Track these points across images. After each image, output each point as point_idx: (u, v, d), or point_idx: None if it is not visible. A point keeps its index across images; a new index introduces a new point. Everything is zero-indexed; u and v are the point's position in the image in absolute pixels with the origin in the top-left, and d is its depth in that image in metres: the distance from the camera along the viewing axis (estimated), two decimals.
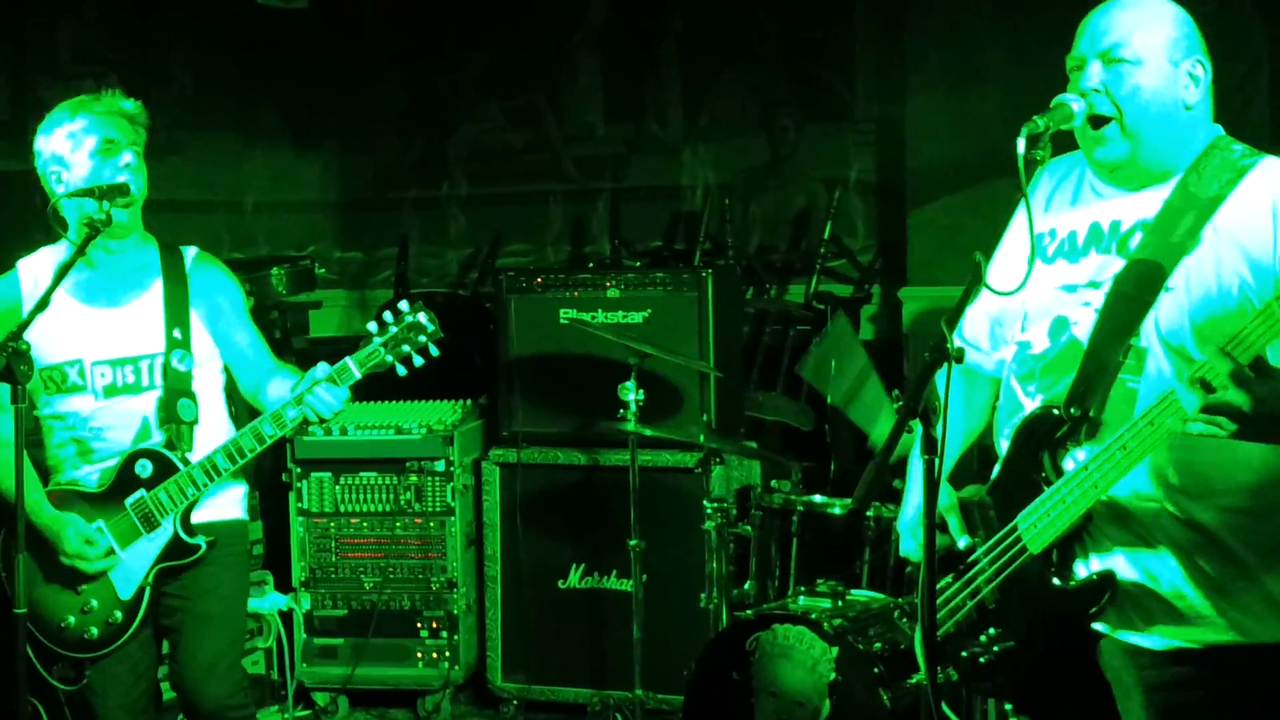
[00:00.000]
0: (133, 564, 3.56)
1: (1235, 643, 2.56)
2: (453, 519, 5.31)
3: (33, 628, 3.47)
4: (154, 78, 7.15)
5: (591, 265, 6.71)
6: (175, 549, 3.55)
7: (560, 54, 7.25)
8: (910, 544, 2.93)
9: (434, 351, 3.32)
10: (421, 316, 3.26)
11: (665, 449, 5.01)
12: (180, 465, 3.52)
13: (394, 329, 3.27)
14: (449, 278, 7.47)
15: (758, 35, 6.86)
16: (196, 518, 3.59)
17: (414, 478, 5.32)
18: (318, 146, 7.70)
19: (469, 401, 5.54)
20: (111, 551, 3.54)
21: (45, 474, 3.67)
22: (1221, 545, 2.55)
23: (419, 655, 5.33)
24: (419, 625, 5.33)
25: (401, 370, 3.36)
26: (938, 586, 2.85)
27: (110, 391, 3.58)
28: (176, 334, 3.56)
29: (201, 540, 3.55)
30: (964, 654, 2.76)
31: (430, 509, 5.32)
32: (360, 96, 7.61)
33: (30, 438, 3.46)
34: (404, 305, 3.30)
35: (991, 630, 2.73)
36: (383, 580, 5.34)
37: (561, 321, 5.21)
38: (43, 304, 3.31)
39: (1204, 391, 2.27)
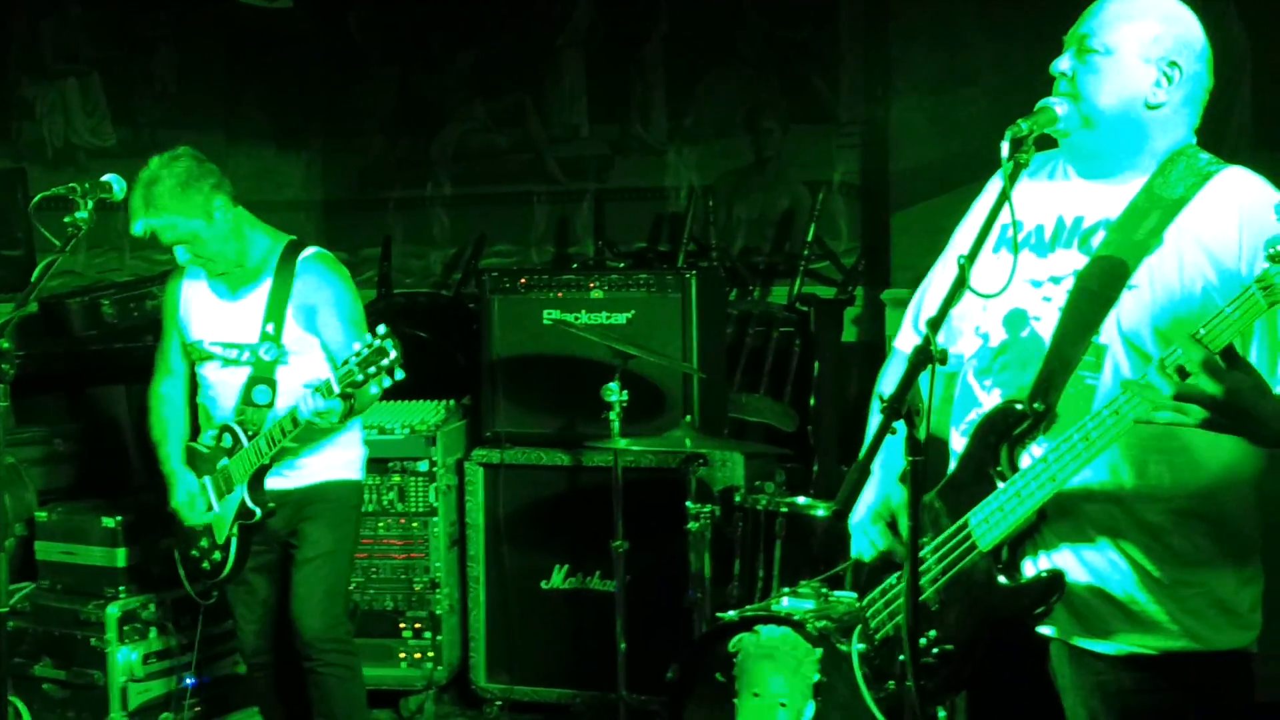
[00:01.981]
0: (224, 517, 4.19)
1: (1190, 649, 2.54)
2: (436, 519, 5.31)
3: (179, 557, 4.35)
4: (137, 76, 7.13)
5: (575, 266, 6.71)
6: (243, 511, 4.13)
7: (545, 55, 7.24)
8: (862, 543, 2.88)
9: (399, 374, 3.70)
10: (387, 344, 3.63)
11: (649, 450, 5.01)
12: (245, 443, 4.09)
13: (365, 351, 3.66)
14: (432, 278, 7.46)
15: (743, 37, 6.86)
16: (301, 478, 4.20)
17: (397, 478, 5.31)
18: (302, 145, 7.69)
19: (452, 402, 5.53)
20: (210, 507, 4.21)
21: (195, 431, 4.35)
22: (1172, 549, 2.54)
23: (402, 656, 5.33)
24: (402, 626, 5.33)
25: (372, 389, 3.77)
26: (881, 588, 2.85)
27: (225, 368, 4.19)
28: (269, 329, 4.11)
29: (258, 509, 4.10)
30: (901, 658, 2.70)
31: (413, 509, 5.31)
32: (345, 96, 7.60)
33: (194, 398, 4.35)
34: (380, 329, 3.68)
35: (932, 633, 2.67)
36: (365, 580, 5.33)
37: (545, 322, 5.21)
38: (22, 303, 3.34)
39: (1176, 378, 2.26)
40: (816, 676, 3.95)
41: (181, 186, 4.00)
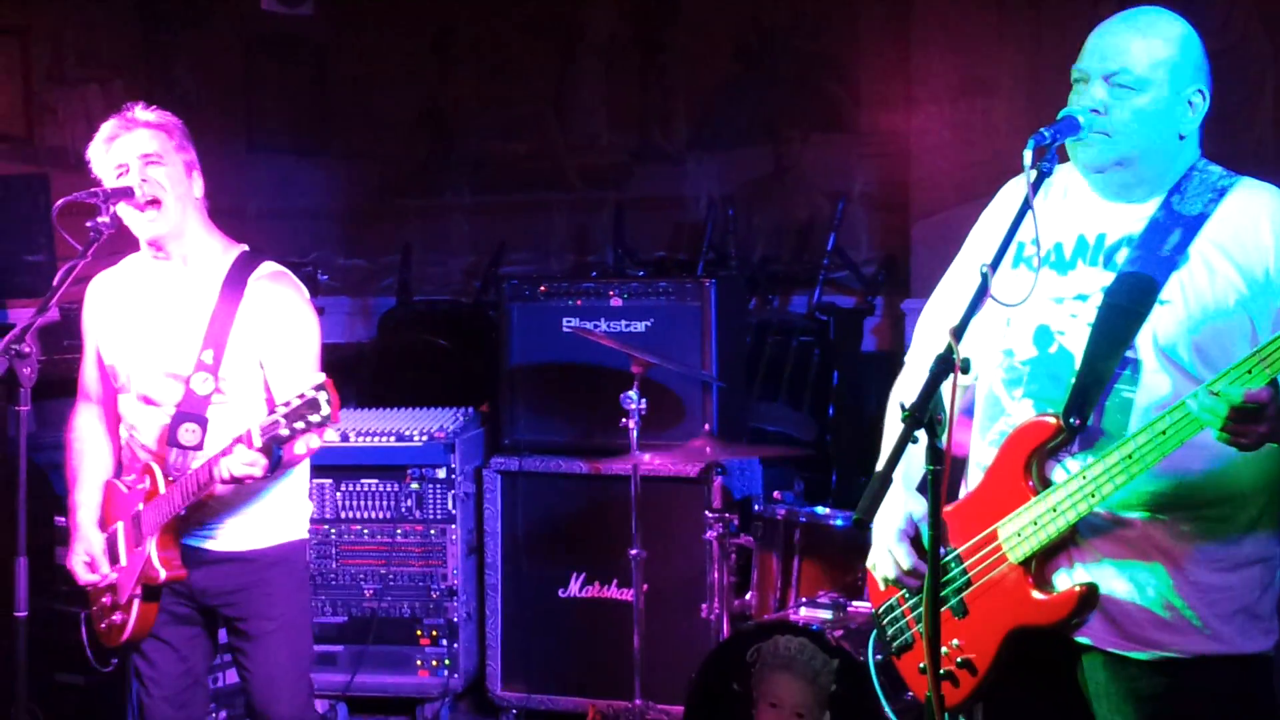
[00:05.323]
0: (129, 572, 3.59)
1: (1218, 653, 2.59)
2: (454, 527, 5.31)
3: (86, 616, 3.80)
4: (158, 83, 7.15)
5: (595, 274, 6.71)
6: (148, 569, 3.54)
7: (565, 63, 7.24)
8: (887, 563, 2.85)
9: (328, 434, 3.27)
10: (320, 396, 3.14)
11: (667, 458, 5.00)
12: (162, 489, 3.51)
13: (296, 403, 3.16)
14: (452, 285, 7.45)
15: (763, 46, 6.85)
16: (238, 541, 3.60)
17: (415, 485, 5.31)
18: (321, 153, 7.69)
19: (471, 409, 5.54)
20: (118, 559, 3.61)
21: (119, 466, 3.76)
22: (1208, 555, 2.58)
23: (418, 663, 5.32)
24: (419, 633, 5.32)
25: (300, 446, 3.36)
26: (900, 594, 2.87)
27: (146, 399, 3.60)
28: (206, 355, 3.49)
29: (162, 570, 3.50)
30: (921, 667, 2.73)
31: (431, 516, 5.31)
32: (364, 103, 7.61)
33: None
34: (316, 378, 3.19)
35: (955, 642, 2.72)
36: (383, 588, 5.33)
37: (564, 330, 5.21)
38: (43, 308, 3.34)
39: (1224, 411, 2.31)
40: (834, 687, 3.94)
41: (176, 128, 3.63)
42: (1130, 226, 2.64)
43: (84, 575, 3.66)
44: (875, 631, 2.96)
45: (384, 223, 7.55)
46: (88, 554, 3.66)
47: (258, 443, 3.21)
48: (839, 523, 4.46)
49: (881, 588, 2.90)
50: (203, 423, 3.50)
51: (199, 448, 3.49)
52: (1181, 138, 2.63)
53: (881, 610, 2.93)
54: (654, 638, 4.78)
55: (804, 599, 4.38)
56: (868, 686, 3.86)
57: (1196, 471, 2.54)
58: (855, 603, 4.27)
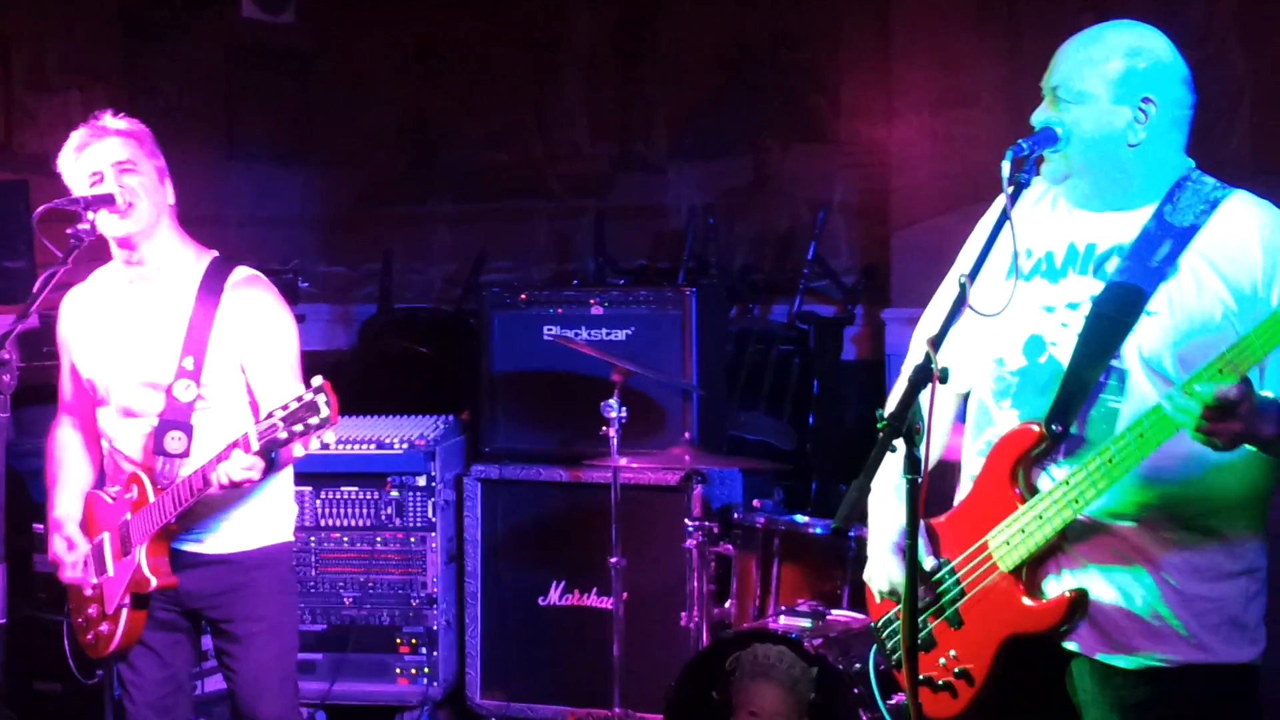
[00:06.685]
0: (117, 581, 3.58)
1: (1204, 663, 2.61)
2: (434, 535, 5.30)
3: (69, 626, 3.77)
4: (139, 91, 7.14)
5: (576, 282, 6.72)
6: (137, 578, 3.51)
7: (546, 71, 7.25)
8: (881, 577, 2.90)
9: (328, 437, 3.30)
10: (319, 399, 3.13)
11: (647, 466, 5.01)
12: (151, 497, 3.50)
13: (294, 406, 3.16)
14: (433, 293, 7.45)
15: (744, 56, 6.87)
16: (225, 543, 3.61)
17: (395, 493, 5.30)
18: (302, 160, 7.69)
19: (451, 417, 5.54)
20: (105, 569, 3.60)
21: (102, 477, 3.77)
22: (1193, 564, 2.60)
23: (398, 671, 5.32)
24: (398, 641, 5.32)
25: (298, 449, 3.40)
26: (897, 610, 2.88)
27: (126, 411, 3.60)
28: (187, 362, 3.49)
29: (153, 578, 3.49)
30: (921, 678, 2.76)
31: (411, 524, 5.30)
32: (346, 110, 7.61)
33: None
34: (315, 381, 3.18)
35: (952, 652, 2.74)
36: (362, 595, 5.32)
37: (545, 338, 5.21)
38: (23, 314, 3.34)
39: (1198, 409, 2.33)
40: (813, 695, 3.95)
41: (146, 135, 3.62)
42: (1121, 236, 2.66)
43: (65, 556, 3.65)
44: (876, 644, 2.97)
45: (365, 230, 7.55)
46: (62, 541, 3.66)
47: (255, 447, 3.22)
48: (818, 531, 4.47)
49: (878, 600, 2.92)
50: (188, 429, 3.50)
51: (185, 455, 3.49)
52: (1131, 146, 2.63)
53: (880, 623, 2.94)
54: (633, 646, 4.79)
55: (783, 607, 4.39)
56: (846, 694, 3.89)
57: (1180, 480, 2.56)
58: (834, 611, 4.29)
